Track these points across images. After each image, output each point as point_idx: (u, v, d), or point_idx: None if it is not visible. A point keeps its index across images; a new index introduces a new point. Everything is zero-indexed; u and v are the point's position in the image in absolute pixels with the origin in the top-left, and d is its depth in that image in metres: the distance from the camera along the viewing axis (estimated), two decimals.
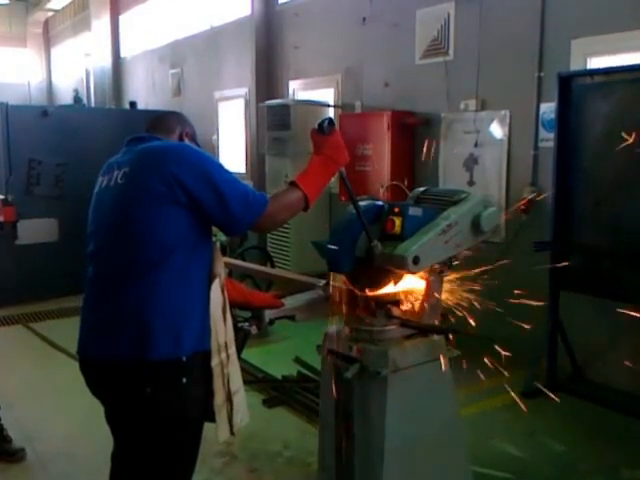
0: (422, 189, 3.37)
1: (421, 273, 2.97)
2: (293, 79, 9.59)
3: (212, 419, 2.55)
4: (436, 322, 3.10)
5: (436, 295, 3.05)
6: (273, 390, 5.49)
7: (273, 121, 8.59)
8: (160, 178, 2.35)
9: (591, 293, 5.25)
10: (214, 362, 2.48)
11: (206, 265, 2.52)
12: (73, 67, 19.13)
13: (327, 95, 8.93)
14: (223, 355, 2.52)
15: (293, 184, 2.59)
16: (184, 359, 2.40)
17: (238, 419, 2.59)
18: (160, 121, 2.81)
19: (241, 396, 2.62)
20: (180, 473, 2.58)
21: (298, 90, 9.56)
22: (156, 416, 2.42)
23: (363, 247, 2.91)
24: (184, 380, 2.40)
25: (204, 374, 2.47)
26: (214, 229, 2.56)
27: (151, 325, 2.34)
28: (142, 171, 2.42)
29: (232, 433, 2.58)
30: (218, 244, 2.68)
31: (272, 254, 8.59)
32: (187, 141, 2.77)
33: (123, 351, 2.36)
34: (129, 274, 2.39)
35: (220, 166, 2.51)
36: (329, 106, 8.57)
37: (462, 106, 6.75)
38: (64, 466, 4.44)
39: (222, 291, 2.53)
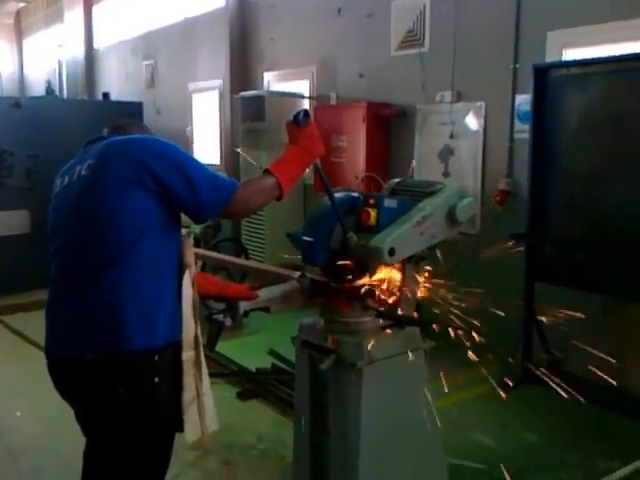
0: (397, 180, 3.36)
1: (396, 264, 2.96)
2: (268, 70, 9.53)
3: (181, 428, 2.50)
4: (412, 313, 3.09)
5: (411, 286, 3.04)
6: (247, 383, 5.45)
7: (248, 112, 8.54)
8: (127, 163, 2.32)
9: (566, 284, 5.26)
10: (185, 356, 2.44)
11: (175, 253, 2.48)
12: (45, 58, 18.88)
13: (302, 86, 8.88)
14: (193, 352, 2.48)
15: (267, 172, 2.57)
16: (156, 358, 2.36)
17: (207, 420, 2.54)
18: (121, 126, 2.75)
19: (209, 400, 2.57)
20: (154, 470, 2.54)
21: (273, 82, 9.50)
22: (129, 416, 2.38)
23: (338, 239, 2.90)
24: (156, 380, 2.36)
25: (175, 371, 2.44)
26: (186, 220, 2.52)
27: (124, 312, 2.29)
28: (108, 159, 2.38)
29: (202, 433, 2.53)
30: (192, 235, 2.65)
31: (247, 246, 8.54)
32: None
33: (95, 345, 2.31)
34: (98, 264, 2.33)
35: (187, 154, 2.49)
36: (304, 97, 8.53)
37: (438, 98, 6.74)
38: (35, 460, 4.40)
39: (192, 286, 2.50)
